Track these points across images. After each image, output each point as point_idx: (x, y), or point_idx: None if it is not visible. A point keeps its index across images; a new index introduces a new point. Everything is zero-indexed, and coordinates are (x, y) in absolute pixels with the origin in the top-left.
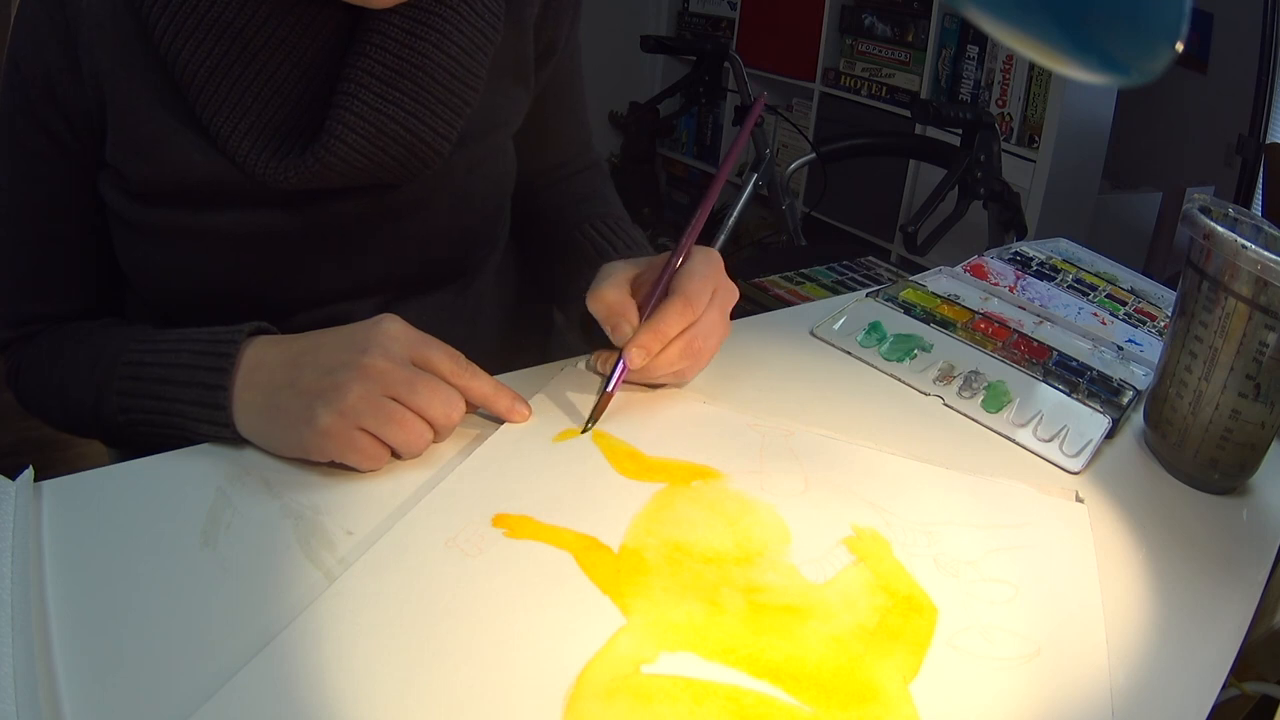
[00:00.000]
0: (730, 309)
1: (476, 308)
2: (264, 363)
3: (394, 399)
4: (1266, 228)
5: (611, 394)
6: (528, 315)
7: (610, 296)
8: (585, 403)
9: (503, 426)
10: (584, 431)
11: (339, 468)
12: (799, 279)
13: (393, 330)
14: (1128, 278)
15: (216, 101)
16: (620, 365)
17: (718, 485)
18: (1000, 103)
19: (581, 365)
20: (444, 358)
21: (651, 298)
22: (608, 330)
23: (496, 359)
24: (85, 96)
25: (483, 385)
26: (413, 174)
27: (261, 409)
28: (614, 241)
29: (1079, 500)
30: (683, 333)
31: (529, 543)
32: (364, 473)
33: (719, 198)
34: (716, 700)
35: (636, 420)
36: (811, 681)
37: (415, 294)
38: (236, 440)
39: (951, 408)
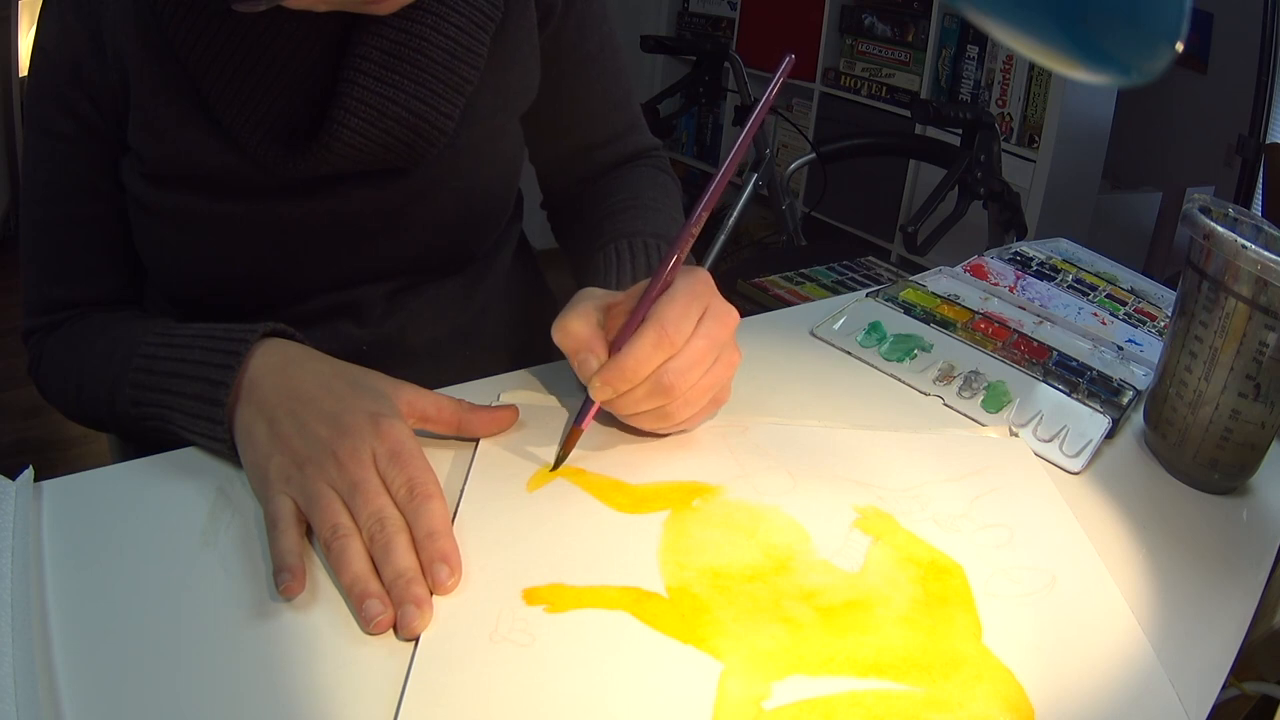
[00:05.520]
0: (727, 335)
1: (488, 298)
2: (261, 383)
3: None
4: (1266, 228)
5: (581, 430)
6: (541, 311)
7: (574, 327)
8: (537, 439)
9: (465, 491)
10: (553, 469)
11: None
12: (799, 279)
13: (392, 432)
14: (1128, 278)
15: (226, 94)
16: (586, 401)
17: (717, 499)
18: (1000, 103)
19: (512, 391)
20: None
21: (629, 327)
22: (574, 365)
23: (505, 351)
24: (110, 78)
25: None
26: (418, 155)
27: (247, 427)
28: (630, 267)
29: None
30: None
31: (575, 613)
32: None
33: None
34: (844, 710)
35: (595, 450)
36: (910, 664)
37: (426, 280)
38: (226, 445)
39: (951, 408)
